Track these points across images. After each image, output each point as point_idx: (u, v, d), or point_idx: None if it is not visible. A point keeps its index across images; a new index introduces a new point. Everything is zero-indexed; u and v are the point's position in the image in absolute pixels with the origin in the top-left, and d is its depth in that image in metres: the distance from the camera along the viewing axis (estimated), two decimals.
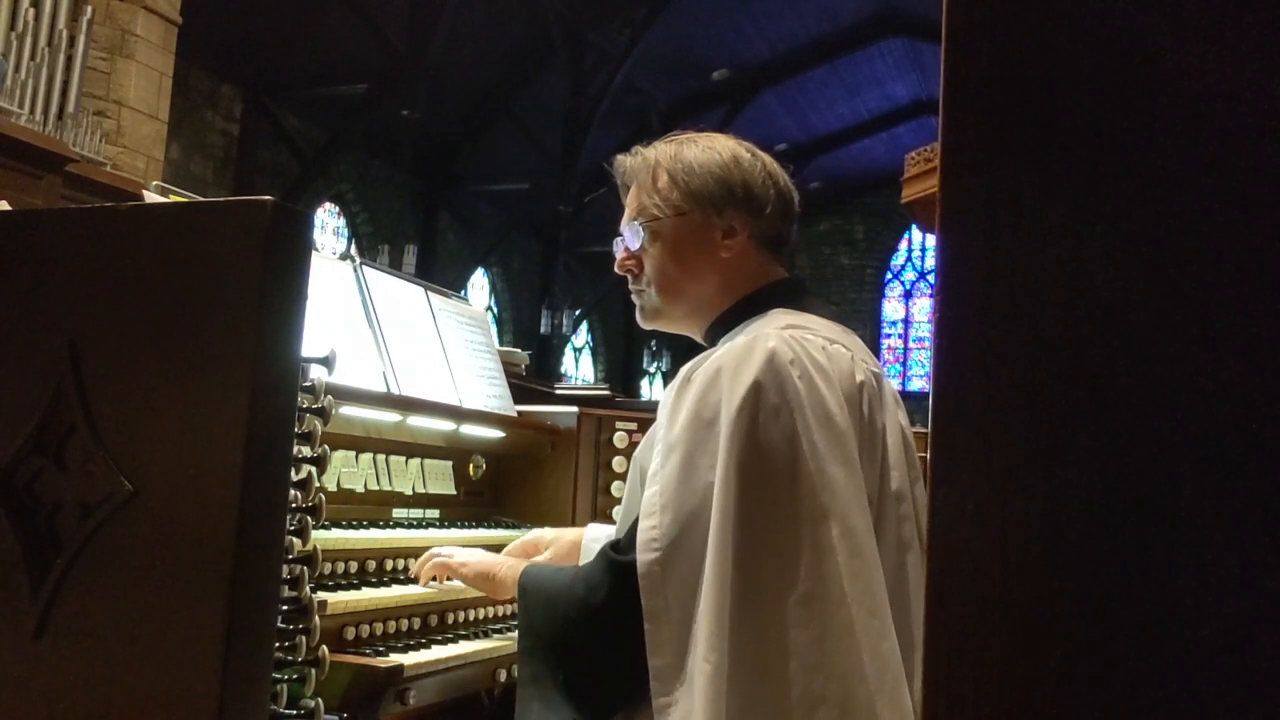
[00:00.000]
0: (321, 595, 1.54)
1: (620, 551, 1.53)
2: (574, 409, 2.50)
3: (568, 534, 2.00)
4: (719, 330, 1.71)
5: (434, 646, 1.80)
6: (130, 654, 1.24)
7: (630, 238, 1.77)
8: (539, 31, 12.11)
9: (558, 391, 4.64)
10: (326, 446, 1.43)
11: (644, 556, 1.45)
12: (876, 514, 1.48)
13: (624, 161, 1.81)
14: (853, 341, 1.62)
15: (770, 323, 1.59)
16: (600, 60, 12.76)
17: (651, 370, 18.38)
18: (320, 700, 1.39)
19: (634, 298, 1.79)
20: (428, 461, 2.22)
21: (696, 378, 1.53)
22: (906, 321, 18.62)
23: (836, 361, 1.53)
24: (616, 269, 1.81)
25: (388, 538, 1.94)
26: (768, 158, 1.77)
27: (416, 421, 2.10)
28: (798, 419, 1.45)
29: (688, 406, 1.50)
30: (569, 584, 1.59)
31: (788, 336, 1.52)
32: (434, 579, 1.91)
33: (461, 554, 1.91)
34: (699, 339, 1.78)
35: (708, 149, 1.73)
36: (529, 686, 1.58)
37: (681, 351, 18.35)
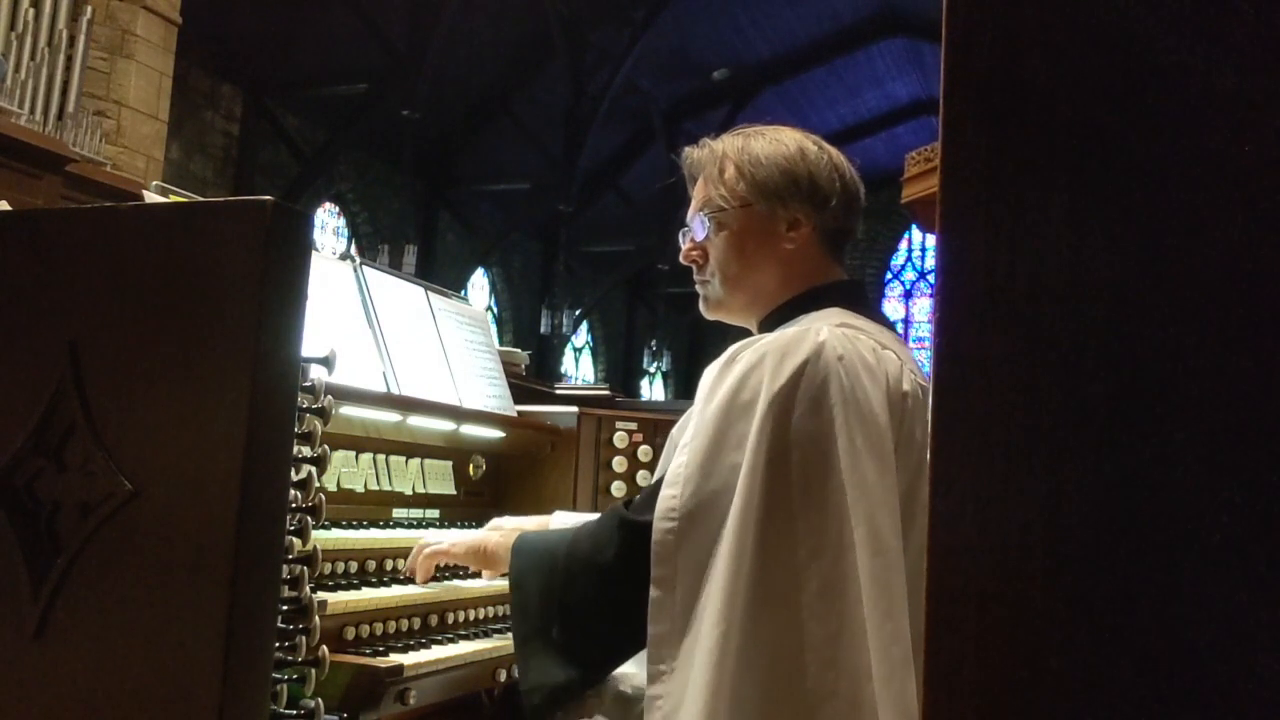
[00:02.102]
0: (321, 595, 1.54)
1: (634, 512, 1.55)
2: (574, 409, 2.50)
3: (529, 521, 2.01)
4: (774, 321, 1.72)
5: (434, 646, 1.79)
6: (130, 654, 1.24)
7: (697, 229, 1.79)
8: (539, 31, 12.10)
9: (558, 391, 4.64)
10: (326, 446, 1.43)
11: (660, 524, 1.47)
12: (905, 516, 1.48)
13: (691, 154, 1.83)
14: (904, 352, 1.63)
15: (825, 318, 1.60)
16: (600, 60, 12.76)
17: (651, 370, 18.37)
18: (320, 700, 1.39)
19: (698, 288, 1.82)
20: (428, 461, 2.22)
21: (742, 358, 1.54)
22: (906, 321, 18.61)
23: (885, 365, 1.54)
24: (682, 259, 1.83)
25: (388, 538, 1.94)
26: (835, 151, 1.79)
27: (416, 421, 2.10)
28: (837, 414, 1.45)
29: (727, 384, 1.52)
30: (571, 542, 1.61)
31: (840, 333, 1.53)
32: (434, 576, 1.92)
33: (448, 538, 1.91)
34: (754, 330, 1.78)
35: (774, 141, 1.75)
36: (523, 646, 1.60)
37: (683, 352, 18.36)
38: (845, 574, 1.41)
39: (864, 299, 1.76)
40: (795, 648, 1.40)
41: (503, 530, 1.89)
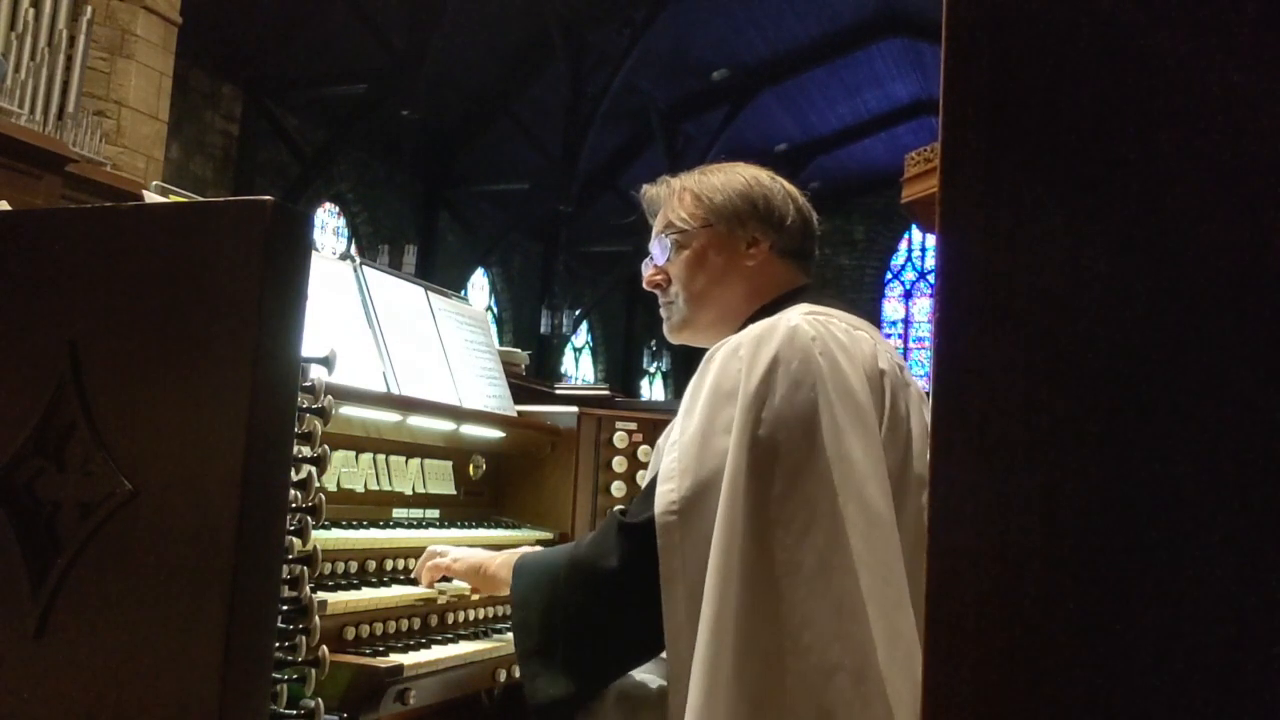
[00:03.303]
0: (321, 595, 1.54)
1: (631, 517, 1.57)
2: (574, 409, 2.50)
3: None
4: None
5: (434, 646, 1.79)
6: (130, 654, 1.24)
7: (658, 253, 1.85)
8: (539, 31, 12.10)
9: (558, 391, 4.64)
10: (326, 446, 1.43)
11: (663, 519, 1.49)
12: (897, 492, 1.51)
13: (649, 190, 1.90)
14: (876, 334, 1.68)
15: (794, 309, 1.64)
16: (600, 60, 12.75)
17: (651, 370, 18.37)
18: (320, 700, 1.39)
19: (662, 311, 1.87)
20: (428, 461, 2.22)
21: (718, 355, 1.58)
22: (906, 321, 18.61)
23: (859, 344, 1.58)
24: (645, 285, 1.89)
25: (388, 538, 1.94)
26: (786, 182, 1.86)
27: (416, 421, 2.10)
28: (819, 393, 1.48)
29: (709, 380, 1.56)
30: (570, 554, 1.63)
31: (810, 319, 1.57)
32: (437, 581, 1.92)
33: (454, 551, 1.93)
34: None
35: (729, 172, 1.84)
36: (527, 662, 1.61)
37: (683, 353, 18.32)
38: (840, 548, 1.42)
39: (830, 293, 1.82)
40: (797, 626, 1.42)
41: (505, 554, 1.89)
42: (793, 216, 1.79)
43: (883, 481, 1.48)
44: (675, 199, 1.83)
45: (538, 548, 2.07)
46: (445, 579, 1.95)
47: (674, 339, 1.87)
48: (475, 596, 1.97)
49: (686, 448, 1.52)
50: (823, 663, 1.40)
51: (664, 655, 1.54)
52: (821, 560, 1.42)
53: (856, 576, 1.41)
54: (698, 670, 1.41)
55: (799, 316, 1.56)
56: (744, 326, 1.74)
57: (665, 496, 1.50)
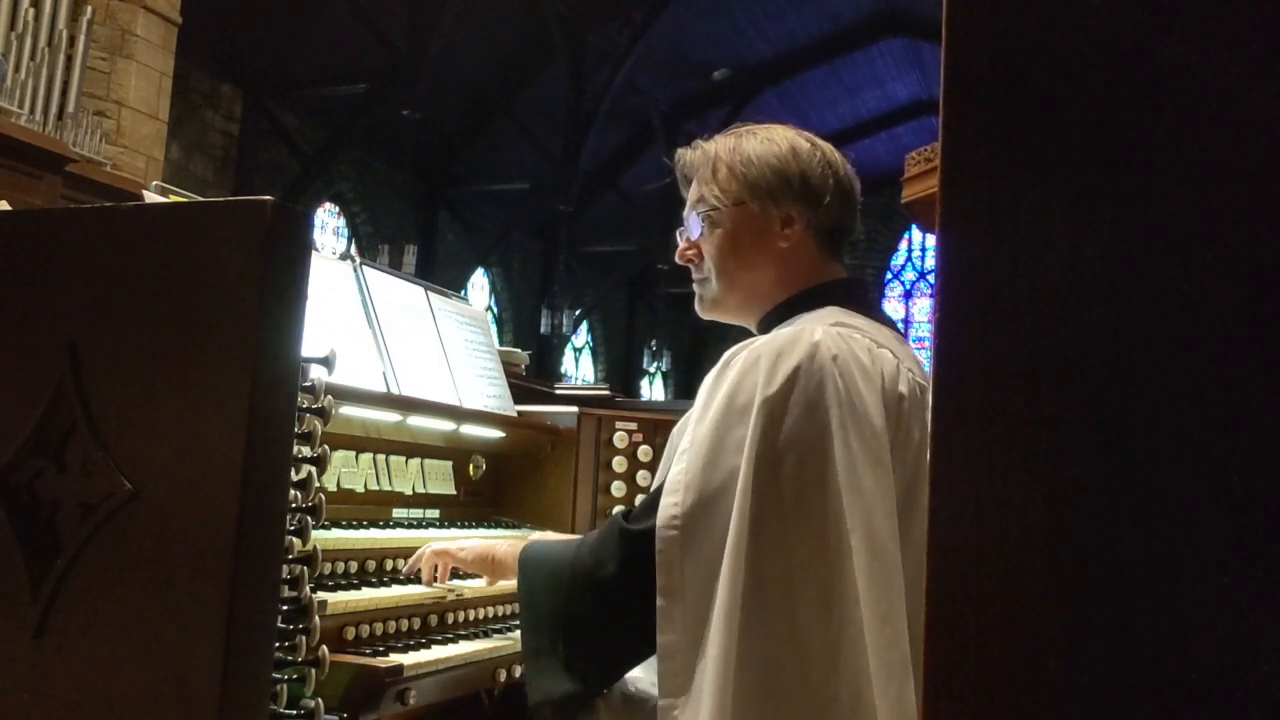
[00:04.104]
0: (321, 595, 1.54)
1: (633, 522, 1.54)
2: (574, 409, 2.50)
3: (562, 539, 2.01)
4: (772, 321, 1.71)
5: (434, 646, 1.79)
6: (130, 654, 1.24)
7: (692, 227, 1.80)
8: (539, 31, 12.10)
9: (558, 391, 4.65)
10: (326, 446, 1.43)
11: (664, 533, 1.47)
12: (902, 515, 1.47)
13: (684, 155, 1.84)
14: (903, 351, 1.61)
15: (821, 318, 1.60)
16: (600, 60, 12.76)
17: (651, 370, 18.36)
18: (320, 700, 1.39)
19: (695, 287, 1.82)
20: (428, 461, 2.22)
21: (737, 361, 1.54)
22: (906, 321, 18.60)
23: (880, 365, 1.53)
24: (677, 258, 1.83)
25: (388, 538, 1.94)
26: (828, 147, 1.78)
27: (416, 421, 2.10)
28: (833, 416, 1.45)
29: (724, 389, 1.51)
30: (574, 555, 1.61)
31: (835, 333, 1.52)
32: (435, 579, 1.91)
33: (456, 541, 1.92)
34: (753, 329, 1.78)
35: (766, 140, 1.75)
36: (532, 660, 1.60)
37: (683, 352, 18.35)
38: (844, 579, 1.40)
39: (863, 297, 1.75)
40: (796, 653, 1.40)
41: (511, 539, 1.89)
42: (831, 193, 1.71)
43: (890, 514, 1.44)
44: (709, 169, 1.76)
45: (539, 533, 2.06)
46: (456, 575, 1.95)
47: (705, 316, 1.83)
48: (480, 580, 1.97)
49: (694, 461, 1.49)
50: (819, 692, 1.38)
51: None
52: (823, 590, 1.41)
53: (856, 608, 1.39)
54: (706, 696, 1.40)
55: (823, 330, 1.52)
56: (772, 312, 1.72)
57: (668, 509, 1.47)
